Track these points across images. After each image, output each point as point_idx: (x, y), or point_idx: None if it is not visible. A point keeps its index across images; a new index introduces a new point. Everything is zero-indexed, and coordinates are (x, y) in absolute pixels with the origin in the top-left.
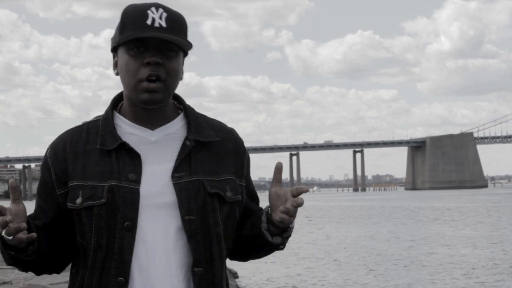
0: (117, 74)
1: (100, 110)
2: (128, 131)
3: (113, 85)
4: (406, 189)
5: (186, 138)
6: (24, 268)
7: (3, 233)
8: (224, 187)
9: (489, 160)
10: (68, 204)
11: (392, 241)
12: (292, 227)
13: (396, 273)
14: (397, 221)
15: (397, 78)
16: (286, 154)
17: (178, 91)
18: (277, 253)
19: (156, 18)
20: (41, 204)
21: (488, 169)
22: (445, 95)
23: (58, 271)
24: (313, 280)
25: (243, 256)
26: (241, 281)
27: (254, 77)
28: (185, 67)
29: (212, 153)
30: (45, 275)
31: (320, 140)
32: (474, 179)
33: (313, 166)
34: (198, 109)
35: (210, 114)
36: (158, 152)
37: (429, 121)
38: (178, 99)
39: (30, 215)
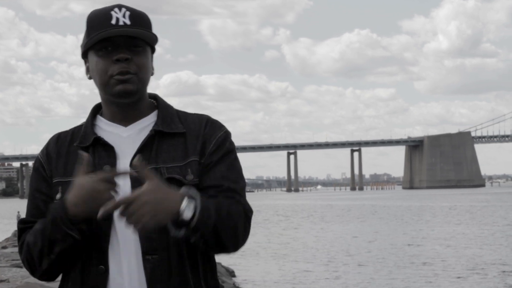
0: (90, 78)
1: None
2: (104, 128)
3: None
4: (404, 188)
5: (151, 130)
6: (59, 267)
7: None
8: (185, 171)
9: (486, 160)
10: (54, 201)
11: (376, 240)
12: (188, 217)
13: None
14: (383, 220)
15: (395, 77)
16: (284, 153)
17: (176, 89)
18: (275, 251)
19: (120, 17)
20: (42, 198)
21: (486, 168)
22: (443, 94)
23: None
24: (310, 277)
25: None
26: (238, 279)
27: (251, 76)
28: (182, 65)
29: (179, 142)
30: None
31: (317, 139)
32: (472, 178)
33: (310, 165)
34: (196, 108)
35: (207, 113)
36: (128, 146)
37: (427, 120)
38: (156, 98)
39: (27, 212)
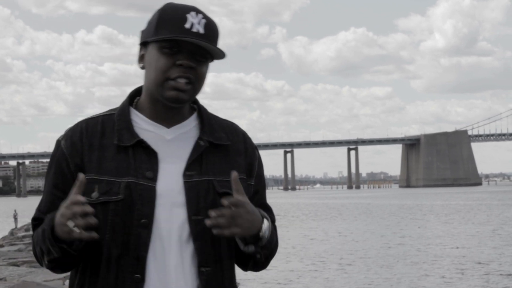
0: (142, 68)
1: (93, 106)
2: (144, 127)
3: (107, 82)
4: (400, 186)
5: (200, 138)
6: (62, 266)
7: (72, 225)
8: None
9: (483, 158)
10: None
11: (365, 238)
12: (265, 237)
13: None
14: (375, 219)
15: (391, 75)
16: (281, 152)
17: None
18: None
19: (195, 23)
20: (59, 196)
21: (482, 167)
22: (439, 92)
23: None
24: (302, 277)
25: (241, 264)
26: (237, 279)
27: (248, 74)
28: None
29: (223, 154)
30: (39, 272)
31: (314, 138)
32: (468, 177)
33: (307, 163)
34: None
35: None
36: (172, 150)
37: (424, 119)
38: (193, 101)
39: (40, 209)
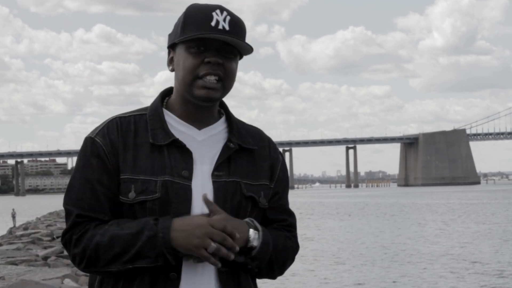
0: (172, 70)
1: (92, 105)
2: (177, 128)
3: (105, 81)
4: (399, 185)
5: (229, 141)
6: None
7: (213, 249)
8: (259, 192)
9: (481, 157)
10: (120, 197)
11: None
12: (254, 246)
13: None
14: (370, 218)
15: (390, 74)
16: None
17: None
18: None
19: (220, 20)
20: (104, 192)
21: (481, 166)
22: (438, 91)
23: None
24: (309, 276)
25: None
26: None
27: (246, 73)
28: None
29: (250, 158)
30: (37, 270)
31: (312, 136)
32: (467, 176)
33: (306, 162)
34: None
35: None
36: (203, 151)
37: (422, 118)
38: (221, 105)
39: (83, 206)
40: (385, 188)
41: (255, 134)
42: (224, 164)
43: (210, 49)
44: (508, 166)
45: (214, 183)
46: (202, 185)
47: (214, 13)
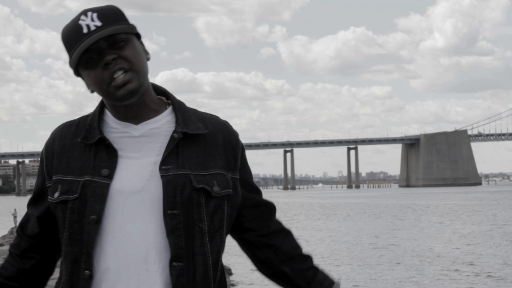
0: (92, 91)
1: (93, 105)
2: (112, 126)
3: None
4: (400, 186)
5: (174, 131)
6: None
7: None
8: (211, 182)
9: (483, 158)
10: (49, 197)
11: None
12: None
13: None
14: (370, 218)
15: (391, 75)
16: (280, 151)
17: (172, 87)
18: None
19: (89, 22)
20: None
21: (482, 167)
22: (439, 92)
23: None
24: None
25: (259, 267)
26: (235, 278)
27: (247, 73)
28: (178, 63)
29: (201, 147)
30: None
31: (314, 137)
32: (468, 177)
33: (307, 163)
34: (191, 105)
35: (203, 110)
36: (141, 146)
37: (423, 118)
38: (166, 94)
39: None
40: (386, 189)
41: (210, 120)
42: (172, 156)
43: (98, 52)
44: (509, 167)
45: (163, 177)
46: (135, 182)
47: (80, 21)
